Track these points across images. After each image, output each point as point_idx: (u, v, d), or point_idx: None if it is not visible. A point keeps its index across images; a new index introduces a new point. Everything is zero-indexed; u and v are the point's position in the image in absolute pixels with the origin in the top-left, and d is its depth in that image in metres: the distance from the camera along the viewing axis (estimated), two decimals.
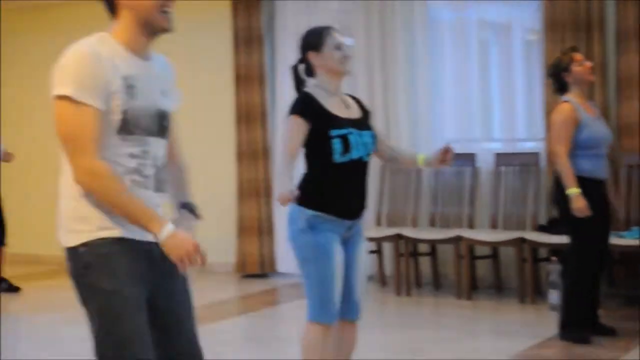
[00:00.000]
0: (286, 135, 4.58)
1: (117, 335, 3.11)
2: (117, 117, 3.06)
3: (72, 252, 3.14)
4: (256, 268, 9.59)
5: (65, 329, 7.30)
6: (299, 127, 4.50)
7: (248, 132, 9.56)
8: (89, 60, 3.02)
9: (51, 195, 10.51)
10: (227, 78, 9.63)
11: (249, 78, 9.52)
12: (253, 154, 9.53)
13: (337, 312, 4.61)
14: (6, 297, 9.13)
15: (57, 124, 3.04)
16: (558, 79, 6.29)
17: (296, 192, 4.37)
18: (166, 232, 3.02)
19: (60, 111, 3.03)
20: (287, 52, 9.30)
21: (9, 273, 9.39)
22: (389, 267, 8.58)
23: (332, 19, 8.99)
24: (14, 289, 9.33)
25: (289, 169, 4.50)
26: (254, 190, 9.58)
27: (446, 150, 4.64)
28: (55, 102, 3.03)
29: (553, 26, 7.85)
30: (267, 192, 9.48)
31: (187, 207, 3.39)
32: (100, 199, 3.04)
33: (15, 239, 9.42)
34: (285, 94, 9.24)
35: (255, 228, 9.56)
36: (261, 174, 9.54)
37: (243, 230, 9.62)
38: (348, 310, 4.72)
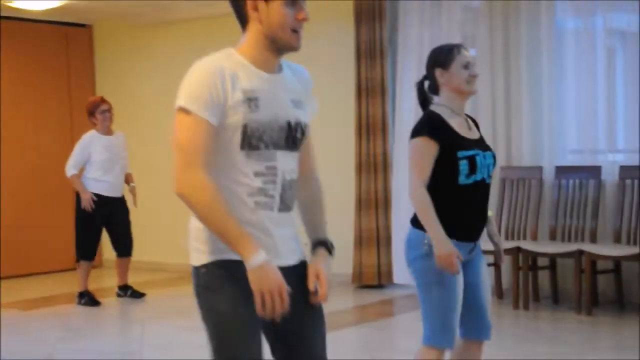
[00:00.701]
0: (417, 159, 4.45)
1: (229, 355, 3.17)
2: (237, 131, 3.07)
3: (195, 271, 3.21)
4: (373, 279, 9.53)
5: (185, 335, 7.39)
6: (430, 150, 4.40)
7: (368, 144, 9.54)
8: (210, 74, 3.05)
9: (174, 207, 10.75)
10: (349, 90, 9.65)
11: (371, 90, 9.50)
12: (373, 165, 9.50)
13: (455, 337, 4.54)
14: (131, 302, 9.34)
15: (174, 134, 3.07)
16: None
17: (461, 257, 4.34)
18: (255, 261, 2.99)
19: (176, 122, 3.07)
20: (409, 65, 9.33)
21: (133, 280, 9.58)
22: (506, 280, 8.41)
23: (454, 31, 8.95)
24: (138, 295, 9.49)
25: (431, 209, 4.36)
26: (372, 202, 9.53)
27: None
28: (176, 114, 3.07)
29: None
30: (386, 204, 9.43)
31: (324, 245, 3.36)
32: (195, 213, 3.06)
33: (140, 247, 9.65)
34: (406, 106, 9.32)
35: (372, 239, 9.51)
36: (380, 185, 9.49)
37: (360, 241, 9.57)
38: (480, 331, 4.68)
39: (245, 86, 3.08)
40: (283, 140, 3.16)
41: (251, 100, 3.08)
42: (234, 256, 3.07)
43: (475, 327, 4.65)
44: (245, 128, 3.06)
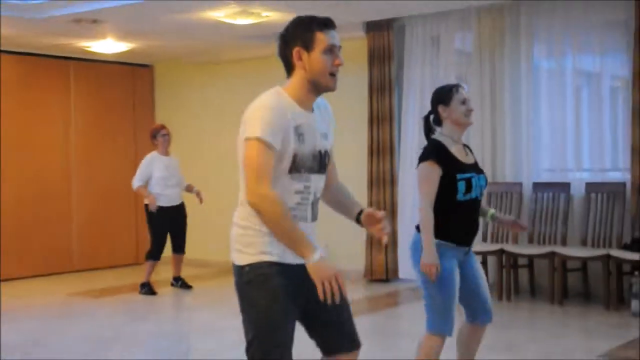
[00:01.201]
0: (425, 180, 4.49)
1: (265, 344, 3.21)
2: (289, 160, 3.14)
3: (239, 269, 3.25)
4: (381, 274, 9.50)
5: (225, 320, 7.38)
6: (435, 172, 4.45)
7: (378, 163, 9.54)
8: (275, 111, 3.12)
9: (218, 214, 10.72)
10: (363, 118, 9.65)
11: (381, 119, 9.52)
12: (382, 181, 9.49)
13: (454, 325, 4.57)
14: (181, 292, 9.35)
15: (246, 158, 3.12)
16: None
17: (440, 268, 4.40)
18: (314, 258, 3.04)
19: (250, 148, 3.10)
20: (412, 98, 9.36)
21: (183, 274, 9.62)
22: (491, 276, 8.32)
23: (450, 71, 8.97)
24: (187, 287, 9.50)
25: (431, 227, 4.41)
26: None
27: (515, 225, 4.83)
28: (248, 141, 3.11)
29: None
30: (393, 213, 9.37)
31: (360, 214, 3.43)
32: (267, 221, 3.09)
33: (189, 246, 9.62)
34: (410, 132, 9.36)
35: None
36: (388, 197, 9.46)
37: (371, 243, 9.53)
38: (483, 316, 4.70)
39: (296, 123, 3.16)
40: (316, 166, 3.26)
41: (300, 135, 3.17)
42: (270, 258, 3.17)
43: (479, 313, 4.68)
44: (295, 157, 3.15)
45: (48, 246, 10.95)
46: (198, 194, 9.35)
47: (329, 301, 3.03)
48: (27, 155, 10.77)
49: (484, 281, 4.69)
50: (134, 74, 12.06)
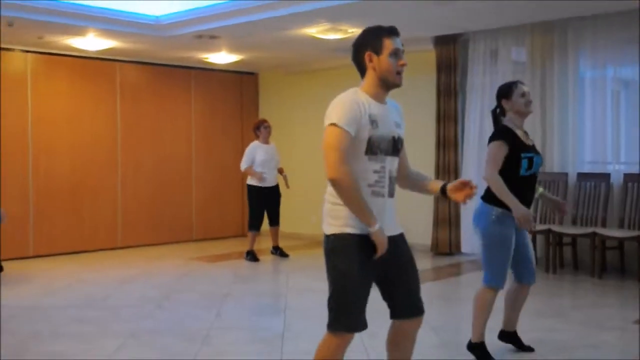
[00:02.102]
0: (493, 155, 4.49)
1: (342, 300, 3.21)
2: (364, 142, 3.15)
3: (327, 238, 3.25)
4: (446, 248, 9.42)
5: (315, 283, 7.38)
6: (502, 150, 4.46)
7: (444, 155, 9.43)
8: (350, 103, 3.15)
9: (308, 194, 10.78)
10: (432, 117, 9.56)
11: (447, 118, 9.40)
12: (447, 170, 9.38)
13: (505, 281, 4.58)
14: (279, 260, 9.46)
15: (325, 141, 3.13)
16: None
17: (502, 232, 4.43)
18: (375, 228, 3.11)
19: (328, 133, 3.13)
20: (474, 101, 9.20)
21: (281, 244, 9.68)
22: (540, 252, 8.17)
23: (506, 78, 8.75)
24: (284, 255, 9.57)
25: (505, 188, 4.40)
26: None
27: (560, 205, 4.67)
28: (327, 127, 3.14)
29: None
30: None
31: (445, 186, 3.39)
32: (341, 193, 3.11)
33: (285, 221, 9.74)
34: (471, 129, 9.21)
35: (446, 220, 9.40)
36: None
37: (437, 221, 9.47)
38: (529, 277, 4.71)
39: (370, 112, 3.16)
40: (390, 149, 3.25)
41: (373, 122, 3.16)
42: (353, 230, 3.16)
43: (525, 274, 4.69)
44: (370, 140, 3.15)
45: (173, 219, 11.25)
46: (285, 178, 9.39)
47: (406, 273, 3.21)
48: (159, 145, 11.06)
49: (531, 249, 4.71)
50: (242, 80, 12.18)
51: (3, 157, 9.36)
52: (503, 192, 4.40)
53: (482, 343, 4.64)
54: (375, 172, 3.21)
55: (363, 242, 3.16)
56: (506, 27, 8.71)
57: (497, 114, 4.66)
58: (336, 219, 3.21)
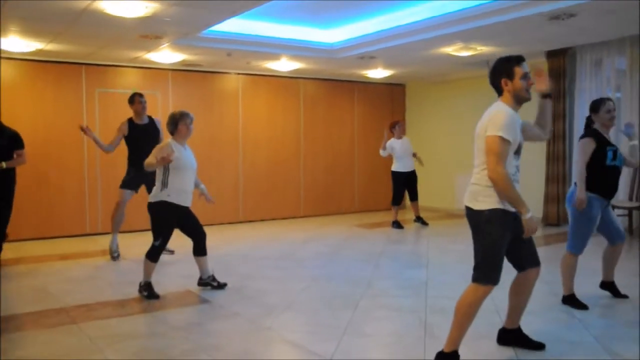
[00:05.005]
0: (583, 150, 4.44)
1: (491, 260, 3.23)
2: (515, 146, 3.18)
3: (479, 212, 3.22)
4: (554, 220, 9.08)
5: (453, 245, 7.41)
6: (590, 145, 4.41)
7: (555, 147, 9.03)
8: (512, 117, 3.15)
9: (442, 176, 10.64)
10: None
11: (557, 117, 8.97)
12: (556, 158, 9.00)
13: (585, 248, 4.51)
14: (421, 227, 9.32)
15: (489, 148, 3.10)
16: None
17: (584, 205, 4.31)
18: (528, 216, 3.13)
19: (492, 141, 3.10)
20: (580, 104, 8.74)
21: (422, 214, 9.65)
22: (635, 224, 7.71)
23: (608, 84, 8.29)
24: (425, 223, 9.50)
25: (584, 178, 4.36)
26: (555, 178, 9.05)
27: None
28: (491, 137, 3.10)
29: None
30: (564, 181, 8.91)
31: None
32: (499, 189, 3.13)
33: (424, 196, 9.66)
34: (577, 126, 8.77)
35: (555, 197, 9.05)
36: (560, 170, 8.98)
37: (547, 199, 9.13)
38: (618, 239, 4.61)
39: (519, 122, 3.22)
40: (520, 151, 3.27)
41: (520, 132, 3.22)
42: (503, 206, 3.18)
43: (615, 237, 4.60)
44: (519, 145, 3.21)
45: (341, 195, 11.27)
46: (419, 160, 9.30)
47: (527, 239, 3.24)
48: (330, 141, 11.13)
49: (617, 219, 4.59)
50: (392, 90, 12.11)
51: (222, 146, 10.03)
52: (579, 180, 4.34)
53: (573, 295, 4.59)
54: (515, 166, 3.25)
55: (507, 216, 3.19)
56: (608, 41, 8.20)
57: (588, 122, 4.58)
58: (489, 197, 3.19)
